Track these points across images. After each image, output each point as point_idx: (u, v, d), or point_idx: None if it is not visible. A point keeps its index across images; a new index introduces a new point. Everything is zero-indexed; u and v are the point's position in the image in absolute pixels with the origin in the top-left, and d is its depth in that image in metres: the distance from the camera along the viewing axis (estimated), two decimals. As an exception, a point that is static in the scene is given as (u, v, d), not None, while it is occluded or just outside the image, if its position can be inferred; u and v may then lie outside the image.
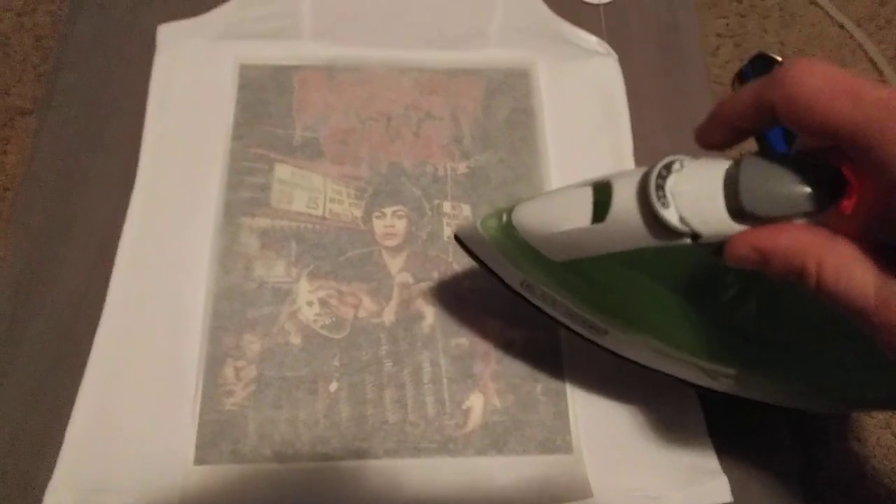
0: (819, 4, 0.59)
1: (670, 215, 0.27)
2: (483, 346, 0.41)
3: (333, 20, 0.51)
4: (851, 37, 0.58)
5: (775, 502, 0.39)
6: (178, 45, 0.48)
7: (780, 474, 0.40)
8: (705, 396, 0.40)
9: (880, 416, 0.43)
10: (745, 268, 0.26)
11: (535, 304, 0.36)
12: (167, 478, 0.36)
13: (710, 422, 0.40)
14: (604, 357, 0.37)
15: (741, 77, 0.53)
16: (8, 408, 0.38)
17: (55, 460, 0.36)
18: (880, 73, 0.56)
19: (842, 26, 0.58)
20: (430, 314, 0.42)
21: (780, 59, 0.53)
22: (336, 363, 0.40)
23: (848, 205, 0.25)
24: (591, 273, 0.32)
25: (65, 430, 0.37)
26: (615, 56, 0.51)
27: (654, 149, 0.49)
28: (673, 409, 0.40)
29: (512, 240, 0.33)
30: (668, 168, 0.28)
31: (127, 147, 0.45)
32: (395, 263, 0.43)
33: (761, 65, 0.53)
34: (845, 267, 0.24)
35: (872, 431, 0.43)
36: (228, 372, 0.39)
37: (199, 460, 0.37)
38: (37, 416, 0.37)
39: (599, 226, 0.30)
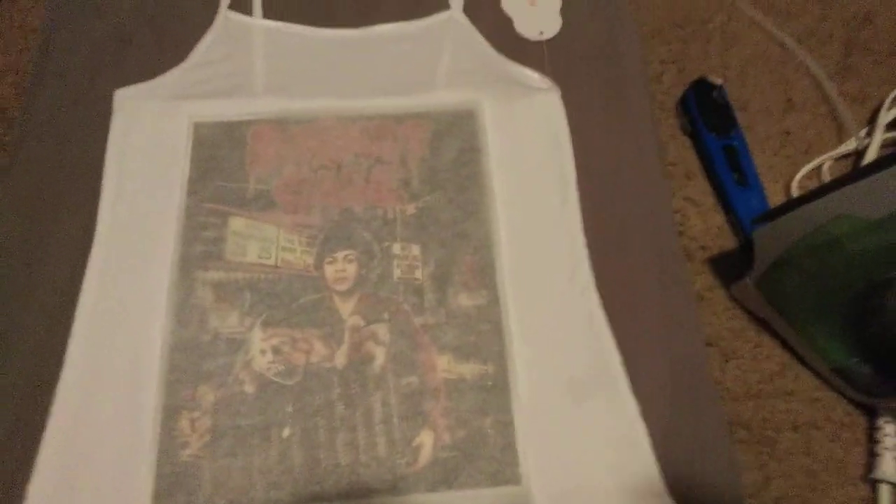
0: (760, 24, 0.61)
1: None
2: (433, 383, 0.42)
3: (285, 75, 0.53)
4: (793, 54, 0.59)
5: (725, 522, 0.40)
6: (133, 108, 0.50)
7: (729, 492, 0.40)
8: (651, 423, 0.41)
9: (828, 430, 0.44)
10: None
11: None
12: (126, 531, 0.37)
13: (656, 443, 0.41)
14: (553, 388, 0.39)
15: (684, 102, 0.55)
16: (-25, 470, 0.39)
17: (20, 519, 0.37)
18: (821, 88, 0.57)
19: (783, 45, 0.60)
20: (382, 355, 0.43)
21: (718, 82, 0.55)
22: (289, 409, 0.41)
23: None
24: None
25: (25, 489, 0.38)
26: (558, 91, 0.53)
27: (597, 179, 0.50)
28: (620, 435, 0.41)
29: None
30: None
31: (86, 208, 0.47)
32: (346, 307, 0.44)
33: (702, 90, 0.55)
34: None
35: (823, 444, 0.44)
36: (184, 423, 0.40)
37: (157, 511, 0.38)
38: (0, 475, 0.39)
39: None
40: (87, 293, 0.43)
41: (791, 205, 0.42)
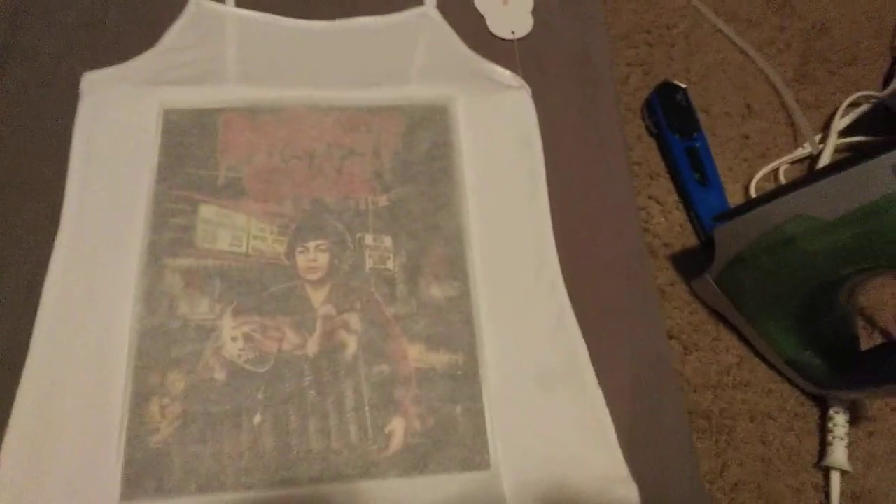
0: (723, 32, 0.63)
1: None
2: (405, 372, 0.43)
3: (257, 63, 0.52)
4: (753, 62, 0.61)
5: (685, 506, 0.41)
6: (102, 92, 0.49)
7: (688, 478, 0.42)
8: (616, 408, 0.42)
9: (782, 420, 0.46)
10: None
11: None
12: (93, 517, 0.37)
13: (619, 429, 0.42)
14: (522, 378, 0.40)
15: (649, 105, 0.57)
16: (-67, 457, 0.38)
17: (-19, 506, 0.36)
18: (779, 95, 0.59)
19: (743, 52, 0.62)
20: (353, 343, 0.43)
21: (684, 86, 0.57)
22: (260, 396, 0.41)
23: None
24: None
25: (-10, 475, 0.37)
26: (528, 89, 0.54)
27: (566, 176, 0.51)
28: (586, 423, 0.42)
29: None
30: None
31: (52, 193, 0.46)
32: (318, 296, 0.45)
33: (667, 92, 0.57)
34: None
35: (777, 434, 0.46)
36: (154, 409, 0.40)
37: (125, 497, 0.38)
38: (-38, 463, 0.38)
39: None
40: (54, 279, 0.43)
41: (750, 204, 0.44)
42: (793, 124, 0.58)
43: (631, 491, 0.40)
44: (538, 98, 0.54)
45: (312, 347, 0.43)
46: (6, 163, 0.47)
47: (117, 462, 0.38)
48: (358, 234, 0.47)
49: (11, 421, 0.39)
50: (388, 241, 0.47)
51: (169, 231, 0.45)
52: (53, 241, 0.44)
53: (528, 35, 0.57)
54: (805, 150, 0.56)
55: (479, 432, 0.41)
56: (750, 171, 0.56)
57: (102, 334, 0.41)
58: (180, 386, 0.41)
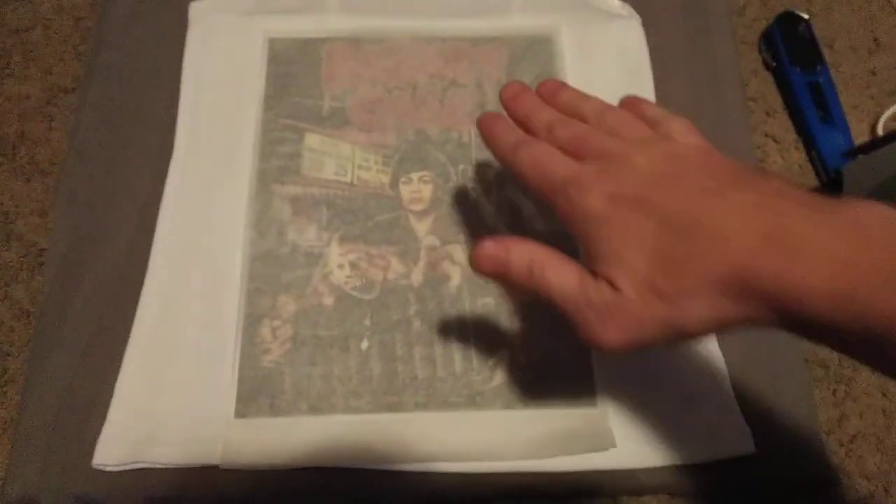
0: (849, -40, 0.58)
1: None
2: (508, 305, 0.42)
3: (359, -8, 0.52)
4: (882, -8, 0.57)
5: (800, 454, 0.40)
6: (208, 21, 0.49)
7: (806, 427, 0.40)
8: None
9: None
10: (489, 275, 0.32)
11: None
12: (210, 430, 0.38)
13: (733, 373, 0.41)
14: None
15: (768, 36, 0.53)
16: (59, 368, 0.40)
17: (105, 416, 0.38)
18: (913, 28, 0.55)
19: (873, -19, 0.57)
20: (457, 275, 0.43)
21: (806, 17, 0.53)
22: (367, 322, 0.41)
23: None
24: None
25: (113, 387, 0.39)
26: (638, 18, 0.52)
27: (678, 110, 0.49)
28: (697, 365, 0.41)
29: None
30: None
31: (164, 120, 0.46)
32: (421, 227, 0.44)
33: (788, 23, 0.53)
34: (558, 266, 0.31)
35: (900, 385, 0.43)
36: (265, 331, 0.41)
37: (240, 414, 0.39)
38: (87, 374, 0.40)
39: None
40: (168, 203, 0.44)
41: (885, 139, 0.41)
42: (927, 59, 0.54)
43: (744, 436, 0.39)
44: (648, 27, 0.51)
45: (417, 277, 0.43)
46: (118, 92, 0.48)
47: (232, 380, 0.39)
48: (461, 167, 0.46)
49: (130, 340, 0.40)
50: (490, 174, 0.46)
51: (276, 159, 0.45)
52: (167, 165, 0.45)
53: (638, -38, 0.54)
54: (941, 86, 0.52)
55: (585, 368, 0.41)
56: (877, 109, 0.52)
57: (216, 257, 0.42)
58: (291, 309, 0.41)
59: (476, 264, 0.32)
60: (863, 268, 0.23)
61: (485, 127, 0.35)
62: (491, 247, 0.31)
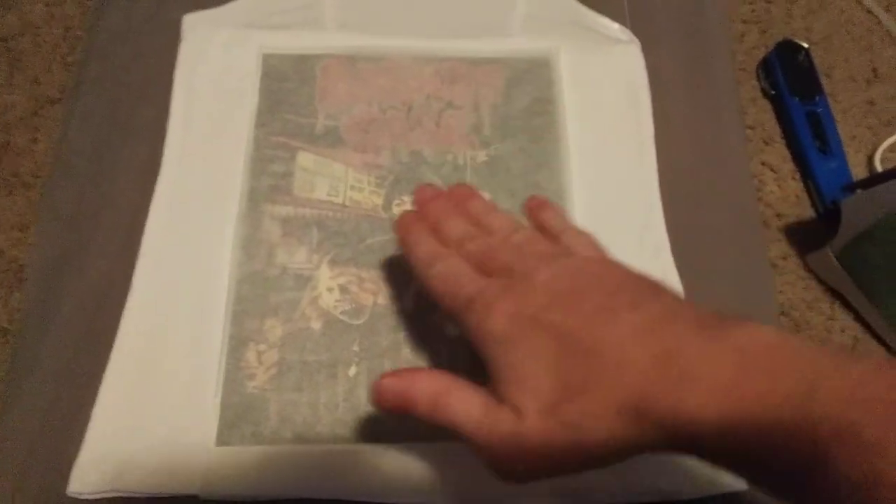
0: (848, -11, 0.58)
1: None
2: (501, 333, 0.41)
3: (357, 10, 0.51)
4: (879, 22, 0.57)
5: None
6: (202, 35, 0.49)
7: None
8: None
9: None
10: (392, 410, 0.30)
11: None
12: (190, 458, 0.37)
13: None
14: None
15: (767, 64, 0.53)
16: (38, 388, 0.39)
17: (82, 439, 0.37)
18: (910, 59, 0.54)
19: (870, 11, 0.57)
20: (449, 301, 0.42)
21: (806, 45, 0.53)
22: (356, 348, 0.40)
23: None
24: None
25: (91, 410, 0.37)
26: (638, 43, 0.51)
27: (675, 137, 0.49)
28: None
29: None
30: None
31: (153, 134, 0.45)
32: (414, 250, 0.43)
33: (787, 52, 0.53)
34: (463, 395, 0.29)
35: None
36: (251, 355, 0.40)
37: (222, 441, 0.37)
38: (66, 396, 0.38)
39: None
40: (154, 220, 0.42)
41: (886, 175, 0.40)
42: (925, 91, 0.53)
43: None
44: (647, 52, 0.51)
45: (407, 302, 0.42)
46: (107, 103, 0.47)
47: (214, 406, 0.38)
48: (456, 190, 0.45)
49: (111, 362, 0.39)
50: (486, 197, 0.45)
51: (268, 178, 0.45)
52: (155, 180, 0.44)
53: (638, -14, 0.54)
54: (939, 119, 0.52)
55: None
56: (875, 139, 0.52)
57: (202, 278, 0.41)
58: (277, 333, 0.40)
59: (376, 400, 0.30)
60: (744, 395, 0.23)
61: (401, 232, 0.36)
62: (392, 383, 0.30)
